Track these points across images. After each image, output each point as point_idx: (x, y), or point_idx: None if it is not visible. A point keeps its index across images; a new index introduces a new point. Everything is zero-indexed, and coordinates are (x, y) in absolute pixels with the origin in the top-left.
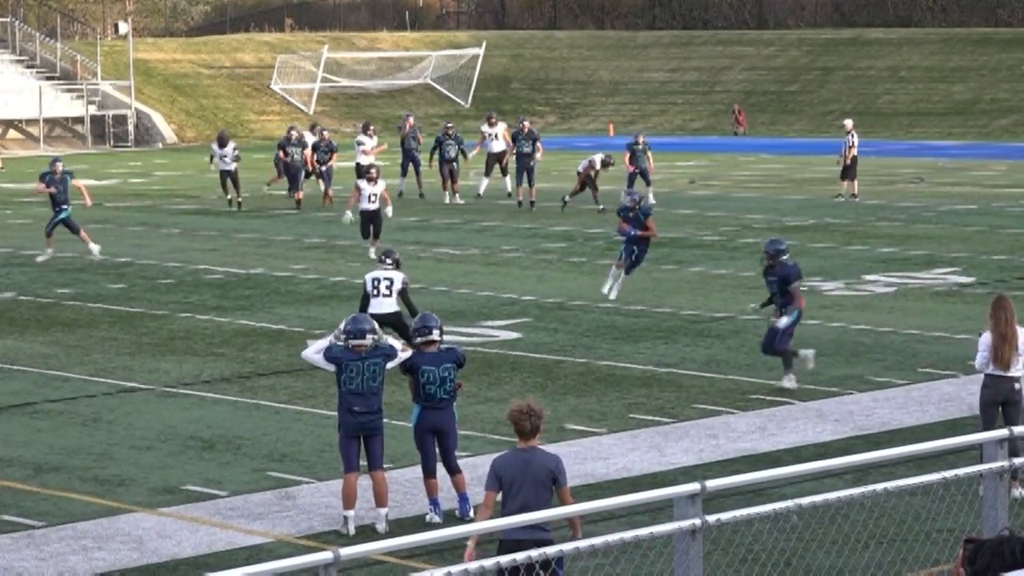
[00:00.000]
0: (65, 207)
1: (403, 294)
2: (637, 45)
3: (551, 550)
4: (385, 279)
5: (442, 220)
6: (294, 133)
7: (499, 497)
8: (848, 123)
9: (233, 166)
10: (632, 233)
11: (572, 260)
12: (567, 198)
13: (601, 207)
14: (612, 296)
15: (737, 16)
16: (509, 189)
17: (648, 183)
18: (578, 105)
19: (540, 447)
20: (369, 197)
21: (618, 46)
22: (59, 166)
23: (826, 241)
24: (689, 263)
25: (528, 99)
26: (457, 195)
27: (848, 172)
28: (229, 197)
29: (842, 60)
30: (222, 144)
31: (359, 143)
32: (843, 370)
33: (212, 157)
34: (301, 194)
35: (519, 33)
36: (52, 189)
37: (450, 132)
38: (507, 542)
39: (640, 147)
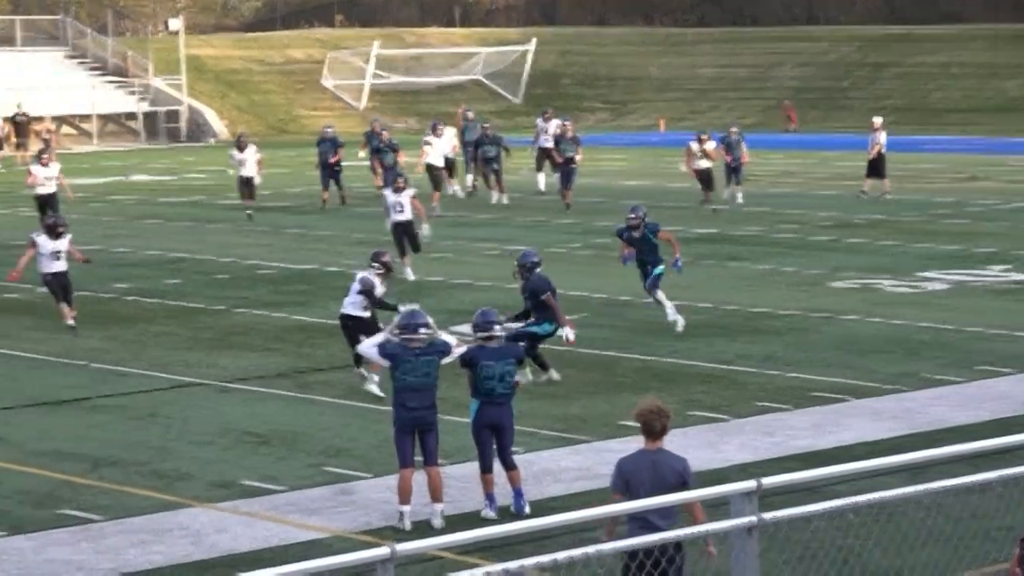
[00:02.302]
0: None
1: (364, 294)
2: (687, 41)
3: (588, 549)
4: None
5: (495, 216)
6: (328, 132)
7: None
8: (876, 121)
9: (252, 172)
10: (627, 260)
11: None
12: (714, 208)
13: (714, 207)
14: (674, 321)
15: (787, 12)
16: (541, 187)
17: (738, 180)
18: (629, 101)
19: (667, 449)
20: (395, 207)
21: (668, 42)
22: None
23: (884, 239)
24: (747, 259)
25: (578, 95)
26: (504, 195)
27: (875, 170)
28: (248, 212)
29: (893, 56)
30: (241, 148)
31: (427, 143)
32: (900, 367)
33: (232, 164)
34: (326, 195)
35: (569, 29)
36: None
37: (488, 132)
38: (638, 553)
39: (734, 139)
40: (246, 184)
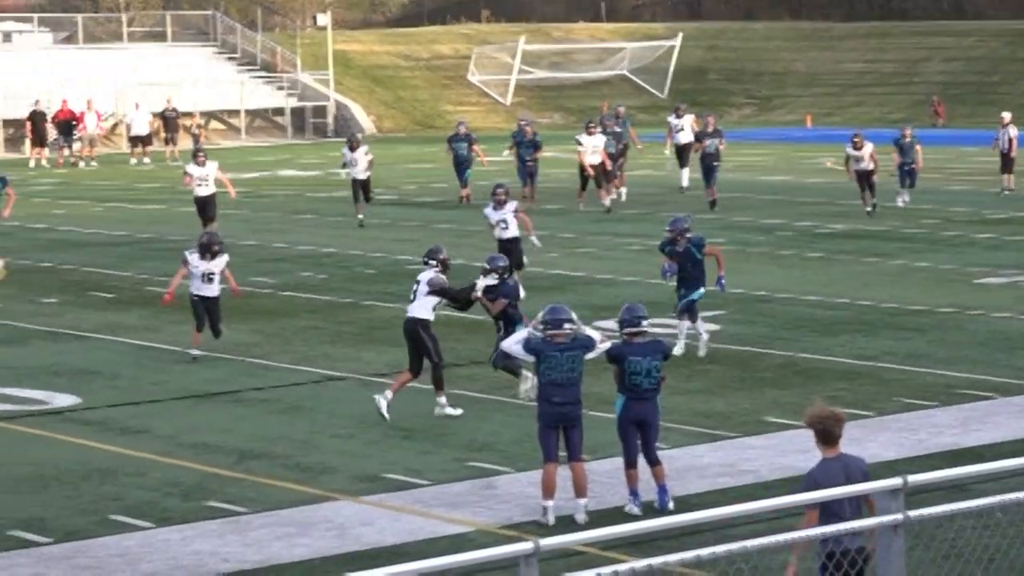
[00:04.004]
0: None
1: (440, 294)
2: (834, 36)
3: (732, 545)
4: (416, 283)
5: (639, 212)
6: (462, 128)
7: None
8: (1006, 116)
9: (366, 175)
10: (667, 273)
11: (763, 252)
12: (868, 209)
13: (871, 207)
14: (678, 352)
15: (935, 6)
16: (684, 183)
17: (912, 183)
18: (775, 97)
19: (844, 452)
20: (500, 224)
21: (814, 37)
22: None
23: None
24: (891, 256)
25: (725, 90)
26: (617, 192)
27: (1006, 165)
28: (360, 217)
29: None
30: (353, 147)
31: (578, 142)
32: None
33: (344, 164)
34: (465, 191)
35: (715, 24)
36: None
37: (608, 128)
38: (835, 553)
39: (908, 141)
40: (361, 187)
